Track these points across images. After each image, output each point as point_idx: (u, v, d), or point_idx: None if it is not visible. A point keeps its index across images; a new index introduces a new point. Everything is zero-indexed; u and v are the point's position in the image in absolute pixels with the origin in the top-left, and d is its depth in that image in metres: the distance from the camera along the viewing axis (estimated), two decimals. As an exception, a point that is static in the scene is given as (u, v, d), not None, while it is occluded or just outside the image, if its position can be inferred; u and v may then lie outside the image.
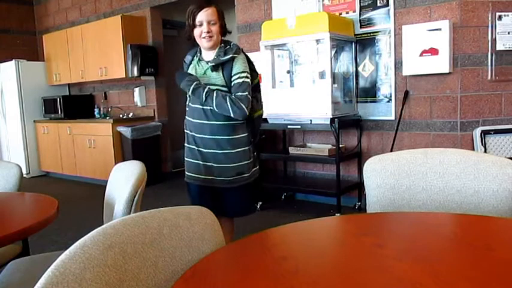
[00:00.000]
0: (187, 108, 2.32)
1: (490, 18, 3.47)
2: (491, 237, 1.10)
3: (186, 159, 2.34)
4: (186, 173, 2.35)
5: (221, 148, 2.22)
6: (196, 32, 2.16)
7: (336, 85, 4.00)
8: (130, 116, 6.09)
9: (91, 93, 6.87)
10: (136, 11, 5.99)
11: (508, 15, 3.46)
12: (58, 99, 6.46)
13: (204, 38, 2.15)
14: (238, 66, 2.18)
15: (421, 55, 3.54)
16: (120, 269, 0.84)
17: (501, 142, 3.52)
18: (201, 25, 2.15)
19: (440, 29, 3.45)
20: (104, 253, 0.82)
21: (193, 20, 2.15)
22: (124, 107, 6.36)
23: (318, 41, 3.94)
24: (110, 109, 6.51)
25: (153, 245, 0.93)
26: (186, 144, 2.33)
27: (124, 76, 5.79)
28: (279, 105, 3.99)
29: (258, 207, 4.23)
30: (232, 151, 2.23)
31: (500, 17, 3.46)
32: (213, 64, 2.18)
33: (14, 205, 1.90)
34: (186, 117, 2.32)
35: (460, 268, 0.91)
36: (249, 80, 2.19)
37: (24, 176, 6.49)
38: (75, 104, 6.62)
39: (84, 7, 6.72)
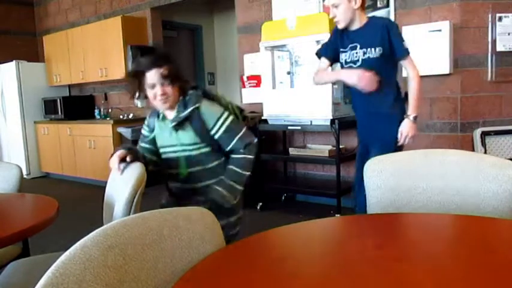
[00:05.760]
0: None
1: (490, 19, 3.47)
2: (492, 238, 1.10)
3: None
4: None
5: None
6: (149, 94, 1.86)
7: (336, 86, 4.00)
8: (130, 117, 6.09)
9: (91, 94, 6.87)
10: (137, 12, 5.99)
11: (508, 17, 3.46)
12: (58, 100, 6.46)
13: (158, 100, 1.85)
14: (209, 113, 1.89)
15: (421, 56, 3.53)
16: (120, 269, 0.84)
17: (501, 143, 3.52)
18: (153, 87, 1.84)
19: (440, 30, 3.45)
20: (104, 254, 0.82)
21: (140, 82, 1.83)
22: (124, 107, 6.36)
23: (318, 41, 3.94)
24: (110, 110, 6.51)
25: (153, 245, 0.93)
26: None
27: (124, 77, 5.78)
28: (279, 106, 3.99)
29: (258, 208, 4.23)
30: None
31: (500, 18, 3.46)
32: (176, 124, 1.88)
33: (14, 206, 1.90)
34: None
35: (460, 269, 0.91)
36: (231, 116, 1.93)
37: (25, 176, 6.48)
38: (76, 105, 6.62)
39: (84, 8, 6.72)
